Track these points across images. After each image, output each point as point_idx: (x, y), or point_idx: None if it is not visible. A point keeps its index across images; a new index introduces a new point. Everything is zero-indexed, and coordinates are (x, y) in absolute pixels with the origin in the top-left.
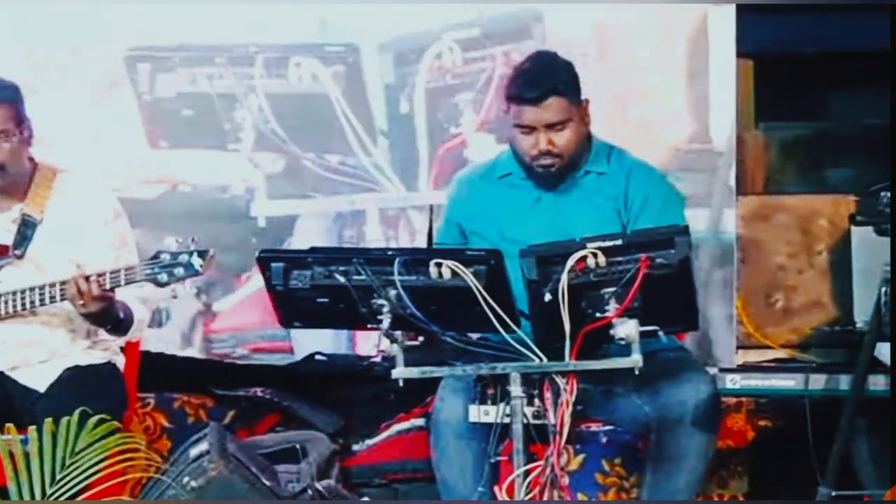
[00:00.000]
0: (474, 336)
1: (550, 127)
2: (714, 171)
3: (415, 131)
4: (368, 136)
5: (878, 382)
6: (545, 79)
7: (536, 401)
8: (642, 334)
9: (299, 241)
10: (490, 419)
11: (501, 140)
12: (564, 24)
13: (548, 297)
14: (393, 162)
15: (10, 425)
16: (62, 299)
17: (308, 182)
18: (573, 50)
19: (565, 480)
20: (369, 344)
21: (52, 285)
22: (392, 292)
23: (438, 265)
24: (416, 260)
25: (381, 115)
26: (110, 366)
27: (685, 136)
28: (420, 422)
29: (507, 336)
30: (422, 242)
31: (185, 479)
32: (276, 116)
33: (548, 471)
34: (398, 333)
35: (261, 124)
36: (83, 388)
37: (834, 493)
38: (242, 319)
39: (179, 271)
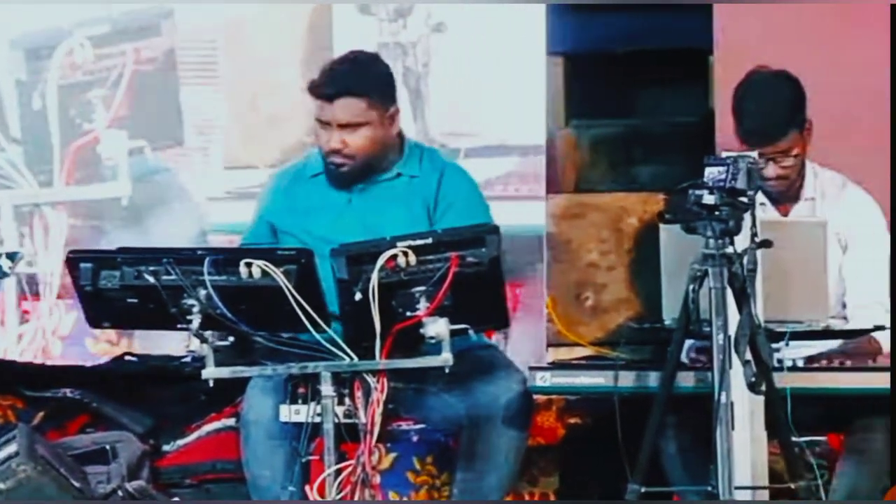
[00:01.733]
0: (285, 335)
1: (344, 127)
2: None
3: (48, 128)
4: (1, 133)
5: (686, 380)
6: (342, 78)
7: (347, 400)
8: (453, 332)
9: None
10: (301, 418)
11: (134, 135)
12: (194, 21)
13: (358, 295)
14: (26, 158)
15: None
16: None
17: None
18: (203, 46)
19: (376, 479)
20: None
21: None
22: (202, 292)
23: (248, 265)
24: (226, 259)
25: (13, 112)
26: None
27: (309, 129)
28: (231, 422)
29: (317, 335)
30: (56, 239)
31: None
32: None
33: (359, 470)
34: (208, 333)
35: None
36: None
37: (643, 490)
38: None
39: None
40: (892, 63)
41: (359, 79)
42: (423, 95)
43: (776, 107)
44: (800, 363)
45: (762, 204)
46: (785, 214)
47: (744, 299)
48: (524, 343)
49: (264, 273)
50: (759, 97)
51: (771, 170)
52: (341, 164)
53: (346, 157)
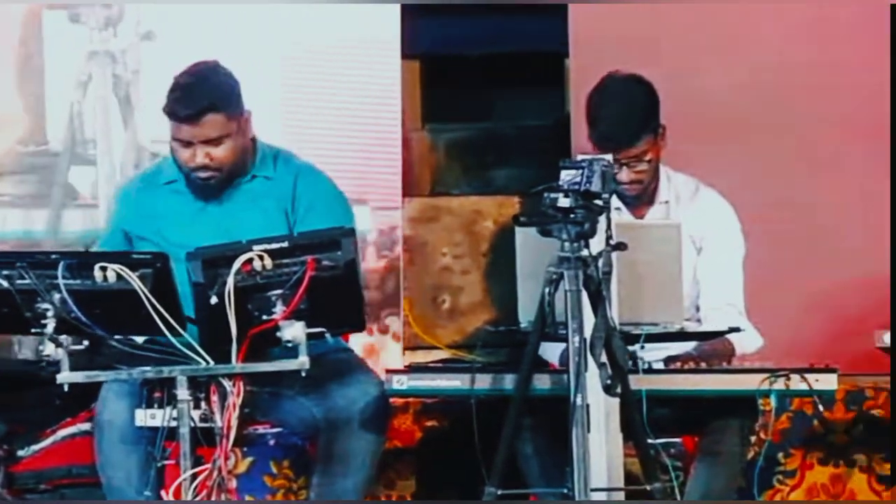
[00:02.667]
0: (141, 339)
1: (207, 142)
2: (52, 170)
3: None
4: None
5: (542, 381)
6: (199, 98)
7: (203, 404)
8: (309, 336)
9: None
10: (156, 423)
11: None
12: None
13: (214, 299)
14: None
15: None
16: None
17: None
18: None
19: (233, 483)
20: None
21: None
22: (56, 296)
23: (104, 268)
24: (81, 263)
25: None
26: None
27: (20, 137)
28: (86, 426)
29: (173, 339)
30: None
31: None
32: None
33: (215, 474)
34: (63, 337)
35: None
36: None
37: (500, 492)
38: None
39: None
40: (891, 63)
41: (214, 94)
42: (132, 103)
43: (629, 112)
44: (655, 365)
45: (617, 208)
46: (640, 218)
47: (599, 302)
48: None
49: (119, 277)
50: (613, 102)
51: (624, 175)
52: (209, 178)
53: (213, 171)
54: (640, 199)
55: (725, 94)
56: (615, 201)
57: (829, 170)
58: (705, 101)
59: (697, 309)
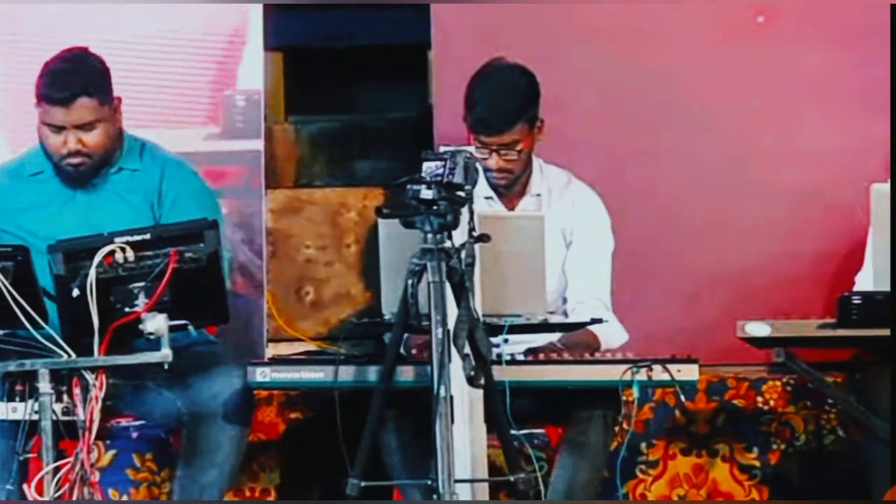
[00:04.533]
0: (1, 332)
1: (80, 127)
2: None
3: None
4: None
5: (406, 373)
6: (73, 81)
7: (66, 397)
8: (172, 328)
9: None
10: (18, 416)
11: None
12: None
13: (76, 292)
14: None
15: None
16: None
17: None
18: None
19: (95, 477)
20: None
21: None
22: None
23: None
24: None
25: None
26: None
27: None
28: None
29: (34, 332)
30: None
31: None
32: None
33: (77, 467)
34: None
35: None
36: None
37: (363, 484)
38: None
39: None
40: (892, 63)
41: (87, 78)
42: None
43: (507, 99)
44: (519, 357)
45: (489, 198)
46: (512, 209)
47: (462, 293)
48: None
49: None
50: (492, 88)
51: (493, 162)
52: (80, 164)
53: (84, 157)
54: (512, 189)
55: (593, 86)
56: (486, 190)
57: (694, 165)
58: (571, 93)
59: (564, 301)
